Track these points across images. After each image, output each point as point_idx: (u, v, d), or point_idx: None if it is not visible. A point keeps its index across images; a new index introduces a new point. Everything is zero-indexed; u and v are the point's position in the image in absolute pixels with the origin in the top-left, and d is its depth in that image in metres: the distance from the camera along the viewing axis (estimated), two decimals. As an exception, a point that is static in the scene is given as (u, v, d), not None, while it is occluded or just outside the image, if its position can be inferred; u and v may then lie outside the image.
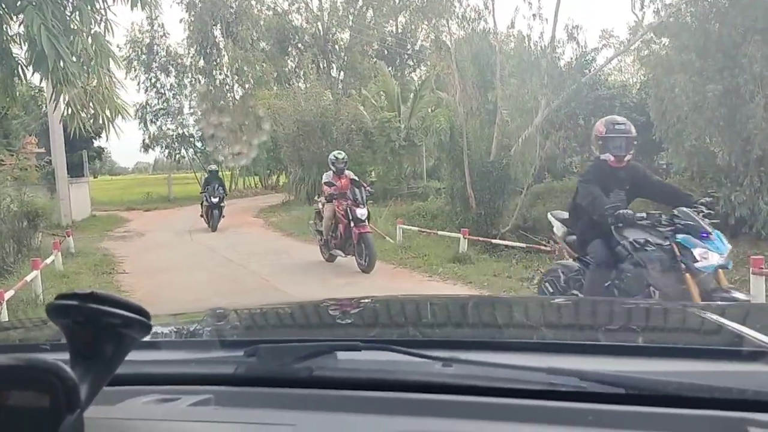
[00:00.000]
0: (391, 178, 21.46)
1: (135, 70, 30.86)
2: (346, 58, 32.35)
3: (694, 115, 14.82)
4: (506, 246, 11.51)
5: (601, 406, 1.02)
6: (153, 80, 31.12)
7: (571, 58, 15.14)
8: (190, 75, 31.65)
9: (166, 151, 32.46)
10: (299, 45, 32.66)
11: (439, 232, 12.83)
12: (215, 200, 16.66)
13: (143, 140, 31.82)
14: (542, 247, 9.59)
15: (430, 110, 22.67)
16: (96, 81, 6.19)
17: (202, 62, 31.20)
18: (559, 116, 16.90)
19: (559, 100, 15.26)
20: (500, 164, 14.81)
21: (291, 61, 33.71)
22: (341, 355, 1.25)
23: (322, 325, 2.09)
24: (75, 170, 30.11)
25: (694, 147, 16.11)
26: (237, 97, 31.62)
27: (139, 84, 31.28)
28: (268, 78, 29.72)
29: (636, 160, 20.11)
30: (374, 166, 22.78)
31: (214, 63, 31.04)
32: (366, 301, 2.58)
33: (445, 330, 1.95)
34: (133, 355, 0.91)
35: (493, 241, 11.90)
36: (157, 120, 31.65)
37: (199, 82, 31.55)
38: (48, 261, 9.66)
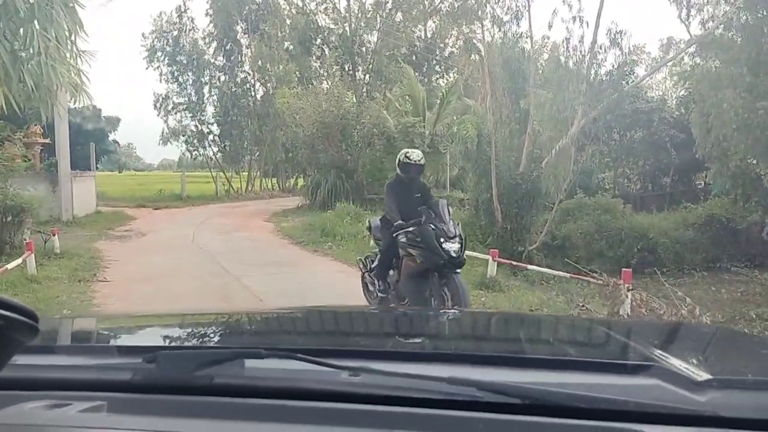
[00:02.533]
0: (413, 185, 20.41)
1: (157, 61, 30.26)
2: (372, 61, 31.44)
3: (741, 133, 13.75)
4: (530, 268, 10.31)
5: (496, 415, 1.08)
6: (176, 73, 30.40)
7: (613, 66, 14.04)
8: (209, 71, 30.94)
9: (184, 147, 31.74)
10: (324, 46, 31.87)
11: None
12: (453, 248, 6.21)
13: (162, 132, 31.15)
14: (592, 279, 8.04)
15: (455, 117, 21.74)
16: (32, 49, 5.07)
17: (221, 58, 30.53)
18: (595, 128, 15.87)
19: (597, 110, 14.21)
20: (530, 177, 13.81)
21: (315, 62, 32.95)
22: (244, 363, 1.23)
23: (228, 334, 2.07)
24: (87, 163, 29.60)
25: (738, 168, 15.02)
26: (258, 96, 30.92)
27: (160, 75, 30.68)
28: (291, 78, 28.95)
29: (674, 180, 18.71)
30: (395, 172, 21.80)
31: (236, 60, 30.34)
32: (280, 311, 2.68)
33: (352, 340, 1.94)
34: (25, 360, 1.01)
35: (530, 267, 10.46)
36: (176, 113, 30.97)
37: (219, 79, 30.86)
38: (11, 265, 8.21)
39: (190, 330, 2.06)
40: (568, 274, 9.11)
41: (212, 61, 30.89)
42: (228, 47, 30.02)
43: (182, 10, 30.35)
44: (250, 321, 2.31)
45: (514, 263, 10.45)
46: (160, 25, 30.33)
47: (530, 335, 2.05)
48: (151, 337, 1.97)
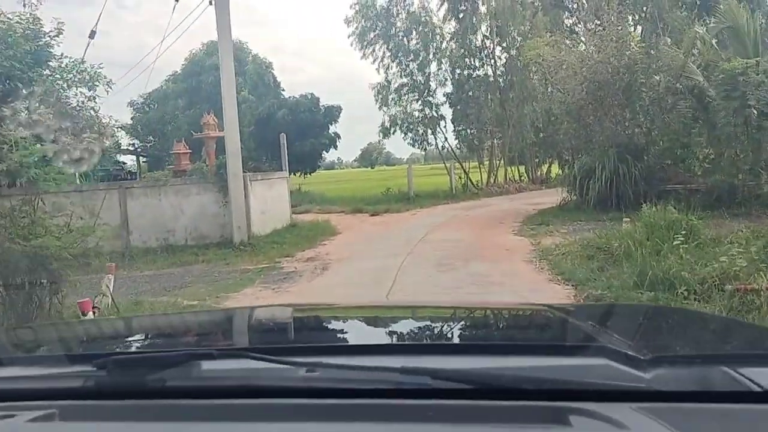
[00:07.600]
0: (742, 168, 13.15)
1: (370, 44, 25.84)
2: (646, 8, 23.92)
3: None
4: None
5: (447, 401, 1.09)
6: (393, 50, 25.57)
7: None
8: (435, 42, 25.63)
9: (408, 136, 26.68)
10: (582, -6, 25.05)
11: None
12: None
13: (382, 123, 26.68)
14: None
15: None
16: None
17: (453, 23, 25.05)
18: None
19: None
20: None
21: (568, 17, 26.22)
22: (197, 364, 1.22)
23: (181, 336, 2.06)
24: (307, 162, 26.08)
25: None
26: (499, 64, 25.05)
27: (375, 61, 26.26)
28: (541, 35, 22.77)
29: None
30: (710, 148, 14.52)
31: (470, 23, 24.65)
32: (234, 309, 3.04)
33: (307, 336, 1.98)
34: None
35: None
36: (400, 99, 26.18)
37: (450, 50, 25.43)
38: None
39: (142, 334, 2.09)
40: None
41: (441, 26, 25.67)
42: (461, 6, 24.40)
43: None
44: (205, 322, 2.36)
45: None
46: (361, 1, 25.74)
47: (480, 324, 2.14)
48: (102, 344, 1.93)
